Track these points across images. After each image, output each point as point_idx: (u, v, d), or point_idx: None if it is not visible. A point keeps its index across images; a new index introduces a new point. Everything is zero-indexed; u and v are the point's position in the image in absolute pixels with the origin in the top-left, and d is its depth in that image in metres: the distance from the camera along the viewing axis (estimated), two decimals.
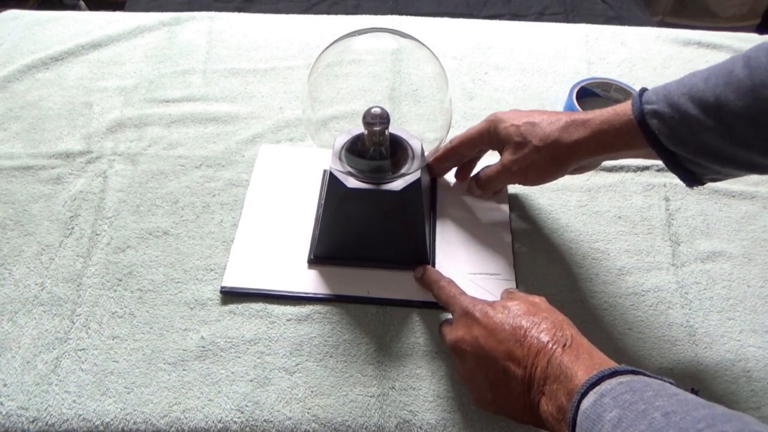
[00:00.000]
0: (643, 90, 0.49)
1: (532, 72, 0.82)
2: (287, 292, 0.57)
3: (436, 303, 0.55)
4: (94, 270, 0.59)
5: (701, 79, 0.45)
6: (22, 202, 0.65)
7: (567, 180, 0.68)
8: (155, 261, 0.60)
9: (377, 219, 0.56)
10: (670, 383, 0.36)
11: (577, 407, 0.36)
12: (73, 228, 0.63)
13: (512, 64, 0.83)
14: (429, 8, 1.13)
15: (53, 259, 0.60)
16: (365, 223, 0.57)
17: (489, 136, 0.58)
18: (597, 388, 0.36)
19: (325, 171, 0.68)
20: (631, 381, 0.35)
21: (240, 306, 0.57)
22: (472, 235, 0.62)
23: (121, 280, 0.59)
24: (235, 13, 0.91)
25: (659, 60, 0.85)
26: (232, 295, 0.57)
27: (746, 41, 0.89)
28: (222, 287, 0.57)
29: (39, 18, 0.89)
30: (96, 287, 0.58)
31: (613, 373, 0.37)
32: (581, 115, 0.53)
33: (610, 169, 0.70)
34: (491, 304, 0.48)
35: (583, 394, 0.36)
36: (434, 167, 0.64)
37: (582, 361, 0.40)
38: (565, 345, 0.41)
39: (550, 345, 0.42)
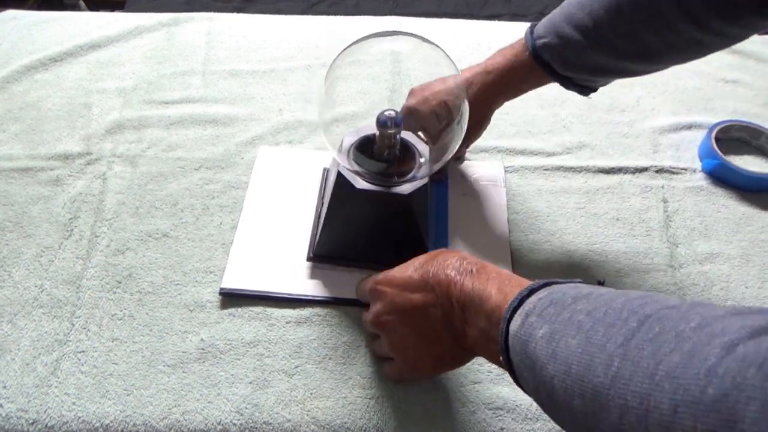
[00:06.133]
0: (533, 26, 0.57)
1: None
2: (286, 294, 0.57)
3: None
4: (93, 272, 0.59)
5: (578, 7, 0.53)
6: (21, 204, 0.65)
7: (565, 182, 0.69)
8: (154, 263, 0.60)
9: (381, 221, 0.56)
10: (579, 282, 0.38)
11: (506, 332, 0.37)
12: (72, 230, 0.63)
13: None
14: (429, 8, 1.13)
15: (53, 261, 0.60)
16: (369, 224, 0.57)
17: (414, 123, 0.61)
18: (520, 309, 0.37)
19: (325, 169, 0.68)
20: (549, 294, 0.36)
21: (239, 308, 0.57)
22: (471, 238, 0.62)
23: (120, 282, 0.59)
24: (235, 14, 0.91)
25: None
26: (231, 297, 0.58)
27: (746, 41, 0.89)
28: (221, 289, 0.58)
29: (38, 18, 0.89)
30: (95, 289, 0.58)
31: (531, 291, 0.38)
32: (478, 68, 0.60)
33: (608, 171, 0.70)
34: (392, 269, 0.49)
35: (509, 319, 0.37)
36: None
37: (492, 281, 0.41)
38: (471, 272, 0.43)
39: (456, 276, 0.43)
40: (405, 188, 0.53)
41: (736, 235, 0.65)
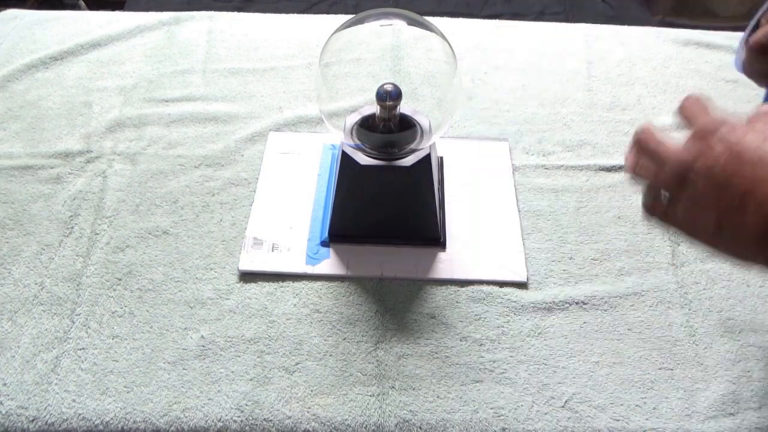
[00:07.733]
0: None
1: (532, 72, 0.82)
2: (302, 273, 0.59)
3: (447, 280, 0.58)
4: (93, 269, 0.59)
5: None
6: (21, 202, 0.65)
7: (566, 181, 0.69)
8: (155, 260, 0.60)
9: (389, 194, 0.58)
10: None
11: None
12: (72, 227, 0.63)
13: (512, 64, 0.83)
14: (428, 8, 1.13)
15: (53, 259, 0.60)
16: (377, 199, 0.58)
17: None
18: None
19: (324, 145, 0.70)
20: None
21: (240, 305, 0.57)
22: (479, 213, 0.65)
23: (120, 280, 0.59)
24: (235, 13, 0.91)
25: (659, 60, 0.85)
26: (239, 286, 0.59)
27: None
28: (240, 270, 0.59)
29: (38, 18, 0.89)
30: (96, 287, 0.58)
31: None
32: None
33: (609, 170, 0.70)
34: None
35: None
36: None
37: None
38: None
39: None
40: (408, 160, 0.55)
41: None
